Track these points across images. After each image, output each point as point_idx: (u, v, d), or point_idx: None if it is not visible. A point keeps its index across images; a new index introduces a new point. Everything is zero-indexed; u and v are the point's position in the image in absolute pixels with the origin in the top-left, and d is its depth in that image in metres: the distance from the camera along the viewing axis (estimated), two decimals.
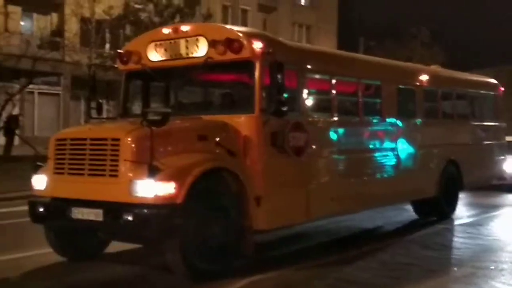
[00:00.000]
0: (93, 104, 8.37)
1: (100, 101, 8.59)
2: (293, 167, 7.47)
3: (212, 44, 7.19)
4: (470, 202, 13.21)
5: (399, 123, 9.73)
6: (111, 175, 6.36)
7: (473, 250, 8.40)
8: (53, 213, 6.83)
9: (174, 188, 6.10)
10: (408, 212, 11.25)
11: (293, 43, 9.19)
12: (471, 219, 11.12)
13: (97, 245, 7.59)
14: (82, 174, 6.59)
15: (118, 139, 6.35)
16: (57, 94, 29.69)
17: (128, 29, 24.19)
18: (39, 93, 28.78)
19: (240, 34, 7.18)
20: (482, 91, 12.84)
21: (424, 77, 10.80)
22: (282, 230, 8.34)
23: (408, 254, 8.03)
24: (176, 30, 7.59)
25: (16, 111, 23.43)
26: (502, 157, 13.27)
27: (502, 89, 13.50)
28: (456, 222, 10.75)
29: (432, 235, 9.48)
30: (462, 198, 12.28)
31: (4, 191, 13.89)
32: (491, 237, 9.37)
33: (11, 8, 26.83)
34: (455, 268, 7.36)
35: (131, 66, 7.98)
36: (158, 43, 7.67)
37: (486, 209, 12.43)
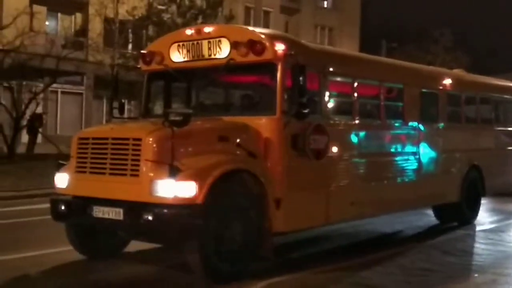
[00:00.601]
0: (115, 104, 8.41)
1: (122, 101, 8.64)
2: (314, 170, 7.44)
3: (234, 45, 7.19)
4: (492, 208, 13.04)
5: (421, 127, 9.64)
6: (132, 175, 6.40)
7: (495, 256, 8.29)
8: (74, 211, 6.89)
9: (195, 188, 6.11)
10: (429, 217, 11.15)
11: (315, 45, 9.14)
12: (493, 225, 10.98)
13: (117, 244, 7.64)
14: (104, 173, 6.64)
15: (139, 139, 6.38)
16: (80, 94, 30.02)
17: (151, 30, 24.34)
18: (62, 92, 29.13)
19: (263, 36, 7.18)
20: (506, 96, 12.69)
21: (447, 81, 10.70)
22: (301, 233, 8.32)
23: (429, 260, 7.95)
24: (198, 31, 7.61)
25: (39, 110, 23.69)
26: None
27: None
28: (478, 228, 10.62)
29: (453, 241, 9.38)
30: (484, 203, 12.13)
31: (26, 189, 14.08)
32: None
33: (37, 8, 27.21)
34: (476, 275, 7.27)
35: (154, 66, 8.02)
36: (180, 44, 7.69)
37: (509, 215, 12.25)
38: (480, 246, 9.08)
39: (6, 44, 21.25)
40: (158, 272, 7.10)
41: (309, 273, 7.03)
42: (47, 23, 28.73)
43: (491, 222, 11.33)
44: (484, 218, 11.66)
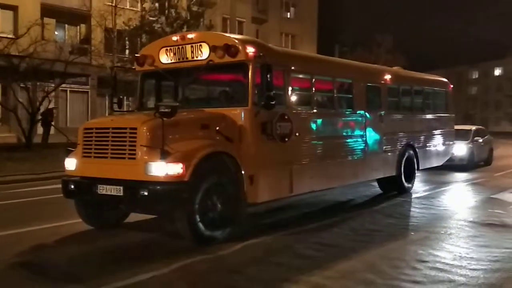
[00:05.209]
0: (115, 100, 8.30)
1: (121, 97, 8.51)
2: (280, 151, 7.45)
3: (213, 49, 7.14)
4: (425, 179, 13.26)
5: (367, 114, 9.71)
6: (129, 158, 6.33)
7: (427, 218, 8.44)
8: (81, 189, 6.81)
9: (182, 168, 6.08)
10: (374, 188, 11.28)
11: (280, 48, 9.08)
12: (425, 193, 11.16)
13: (119, 216, 7.57)
14: (106, 157, 6.56)
15: (135, 128, 6.32)
16: (86, 92, 29.46)
17: (144, 38, 23.93)
18: (71, 91, 28.56)
19: (236, 41, 7.13)
20: (435, 88, 12.85)
21: (387, 76, 10.78)
22: (271, 203, 8.35)
23: (374, 222, 8.06)
24: (183, 38, 7.52)
25: (51, 106, 23.24)
26: (451, 142, 13.35)
27: (452, 86, 13.56)
28: (414, 196, 10.78)
29: (393, 206, 9.52)
30: (419, 176, 12.31)
31: (42, 172, 13.84)
32: (442, 207, 9.41)
33: (47, 20, 26.55)
34: (412, 233, 7.39)
35: (146, 67, 7.93)
36: (168, 48, 7.61)
37: (438, 185, 12.48)
38: (415, 210, 9.23)
39: (22, 51, 20.74)
40: (154, 238, 7.05)
41: (278, 235, 7.07)
42: (56, 32, 28.02)
43: (424, 191, 11.51)
44: (419, 187, 11.84)
